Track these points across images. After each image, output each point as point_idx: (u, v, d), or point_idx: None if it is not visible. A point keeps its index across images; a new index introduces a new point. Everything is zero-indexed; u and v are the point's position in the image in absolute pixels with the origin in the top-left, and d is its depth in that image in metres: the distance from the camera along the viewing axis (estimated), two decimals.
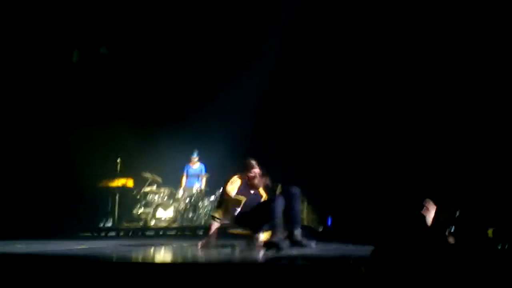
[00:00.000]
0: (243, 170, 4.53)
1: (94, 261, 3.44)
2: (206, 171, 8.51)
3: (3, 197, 7.56)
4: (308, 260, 3.49)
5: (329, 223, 8.45)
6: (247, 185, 4.53)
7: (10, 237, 6.09)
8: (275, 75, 8.37)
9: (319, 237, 6.50)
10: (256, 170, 4.54)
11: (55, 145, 8.36)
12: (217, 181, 8.32)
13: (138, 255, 4.12)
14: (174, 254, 4.36)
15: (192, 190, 8.29)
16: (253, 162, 4.58)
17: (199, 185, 8.34)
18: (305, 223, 8.91)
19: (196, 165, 8.59)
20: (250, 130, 8.37)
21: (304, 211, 9.22)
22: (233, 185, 4.46)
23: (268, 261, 3.36)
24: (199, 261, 3.51)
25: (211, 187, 8.32)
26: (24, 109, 8.04)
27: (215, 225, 4.40)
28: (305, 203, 9.19)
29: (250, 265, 3.28)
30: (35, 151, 8.15)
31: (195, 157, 8.54)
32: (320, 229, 8.04)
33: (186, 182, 8.55)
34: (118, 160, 8.67)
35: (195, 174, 8.51)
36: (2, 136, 7.82)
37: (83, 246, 4.96)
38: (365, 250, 3.90)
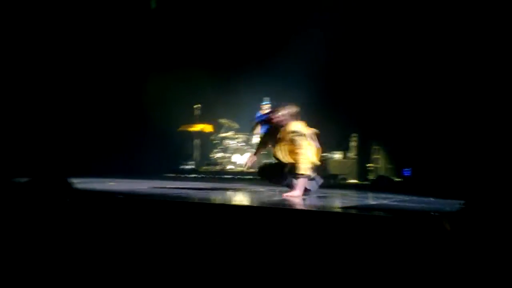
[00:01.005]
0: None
1: (176, 201, 3.66)
2: None
3: (97, 139, 8.22)
4: (386, 211, 3.44)
5: (407, 173, 8.23)
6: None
7: (102, 176, 6.68)
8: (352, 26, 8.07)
9: (396, 189, 6.38)
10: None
11: (140, 92, 8.81)
12: None
13: (216, 197, 4.32)
14: (251, 197, 4.52)
15: None
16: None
17: None
18: (382, 172, 8.78)
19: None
20: (327, 78, 8.20)
21: (380, 161, 9.06)
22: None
23: (344, 211, 3.36)
24: (277, 206, 3.60)
25: None
26: (109, 56, 8.46)
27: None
28: (381, 152, 9.00)
29: (327, 213, 3.31)
30: (121, 96, 8.65)
31: (265, 105, 8.58)
32: (397, 180, 7.87)
33: (260, 130, 8.66)
34: (197, 107, 8.95)
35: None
36: (90, 85, 8.36)
37: (166, 186, 5.29)
38: (448, 204, 3.77)
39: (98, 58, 8.37)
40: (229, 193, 4.68)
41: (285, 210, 3.23)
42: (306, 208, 3.40)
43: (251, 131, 8.68)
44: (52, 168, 6.19)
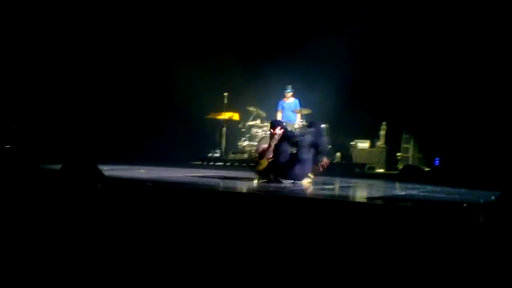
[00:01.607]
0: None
1: (205, 189, 3.70)
2: (301, 106, 8.48)
3: (127, 126, 8.37)
4: (414, 202, 3.38)
5: (437, 163, 8.08)
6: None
7: (132, 163, 6.80)
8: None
9: (425, 179, 6.26)
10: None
11: (169, 80, 8.91)
12: (315, 117, 8.32)
13: (242, 186, 4.34)
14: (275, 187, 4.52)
15: (293, 125, 8.37)
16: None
17: (295, 120, 8.37)
18: (411, 162, 8.64)
19: (290, 100, 8.58)
20: (357, 66, 8.09)
21: (410, 151, 8.90)
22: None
23: (370, 201, 3.32)
24: (298, 196, 3.59)
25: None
26: (140, 42, 8.55)
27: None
28: (412, 141, 8.84)
29: (352, 203, 3.29)
30: (151, 84, 8.77)
31: (289, 92, 8.53)
32: (427, 169, 7.73)
33: (281, 117, 8.62)
34: (225, 95, 8.99)
35: (290, 109, 8.54)
36: (120, 72, 8.48)
37: (195, 174, 5.35)
38: (481, 196, 3.68)
39: (129, 45, 8.48)
40: (253, 182, 4.69)
41: (310, 200, 3.22)
42: (331, 199, 3.38)
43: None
44: (83, 155, 6.34)
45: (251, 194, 3.64)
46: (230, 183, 4.53)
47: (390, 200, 3.39)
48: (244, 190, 3.96)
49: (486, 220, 2.47)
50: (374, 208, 2.93)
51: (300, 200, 3.21)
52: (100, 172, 3.28)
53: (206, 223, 2.85)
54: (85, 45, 8.15)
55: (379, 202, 3.24)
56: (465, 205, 2.97)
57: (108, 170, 5.25)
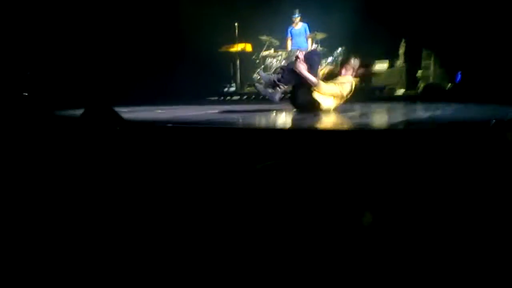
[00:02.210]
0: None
1: (223, 127, 3.66)
2: (310, 30, 8.16)
3: (138, 65, 8.25)
4: (438, 124, 3.29)
5: (459, 78, 7.82)
6: None
7: (149, 102, 6.77)
8: None
9: (448, 96, 6.10)
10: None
11: (176, 16, 8.61)
12: (332, 41, 8.03)
13: (261, 120, 4.28)
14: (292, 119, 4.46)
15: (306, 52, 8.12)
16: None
17: (306, 46, 8.11)
18: (431, 79, 8.37)
19: (298, 26, 8.26)
20: None
21: (431, 68, 8.59)
22: None
23: (391, 127, 3.24)
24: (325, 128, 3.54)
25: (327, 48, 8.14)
26: None
27: None
28: (432, 57, 8.50)
29: (373, 132, 3.22)
30: (158, 22, 8.50)
31: (296, 17, 8.19)
32: (449, 86, 7.51)
33: (292, 44, 8.37)
34: (236, 25, 8.68)
35: (300, 35, 8.25)
36: (125, 10, 8.21)
37: (214, 111, 5.28)
38: (507, 111, 3.55)
39: None
40: (273, 115, 4.63)
41: (328, 132, 3.16)
42: (350, 128, 3.31)
43: (285, 47, 8.42)
44: (97, 98, 6.31)
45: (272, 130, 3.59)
46: (248, 118, 4.48)
47: (413, 124, 3.31)
48: (262, 125, 3.90)
49: None
50: (396, 135, 2.86)
51: (318, 133, 3.16)
52: (118, 115, 3.24)
53: (230, 161, 2.84)
54: None
55: (401, 127, 3.16)
56: (494, 121, 2.87)
57: (127, 112, 5.27)
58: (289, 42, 8.40)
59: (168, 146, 3.16)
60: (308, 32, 8.20)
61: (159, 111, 5.43)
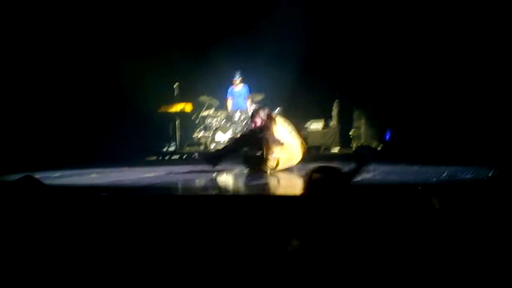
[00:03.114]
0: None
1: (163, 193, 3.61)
2: (251, 91, 8.45)
3: (74, 126, 8.00)
4: (371, 188, 3.43)
5: (388, 137, 8.27)
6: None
7: (83, 164, 6.50)
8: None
9: (379, 157, 6.41)
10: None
11: (115, 76, 8.57)
12: (269, 102, 8.31)
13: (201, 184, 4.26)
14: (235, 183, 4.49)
15: (246, 112, 8.33)
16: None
17: (245, 107, 8.33)
18: (363, 139, 8.81)
19: (239, 87, 8.52)
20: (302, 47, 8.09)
21: (362, 127, 9.06)
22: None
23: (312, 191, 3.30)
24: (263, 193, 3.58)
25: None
26: (82, 39, 8.15)
27: None
28: (363, 117, 8.98)
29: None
30: (95, 81, 8.40)
31: (237, 79, 8.46)
32: (380, 147, 7.92)
33: (232, 105, 8.56)
34: (175, 85, 8.77)
35: (240, 96, 8.49)
36: (63, 70, 8.07)
37: (150, 174, 5.19)
38: (435, 173, 3.78)
39: (70, 41, 8.05)
40: (214, 178, 4.63)
41: (269, 198, 3.20)
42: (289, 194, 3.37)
43: (225, 107, 8.60)
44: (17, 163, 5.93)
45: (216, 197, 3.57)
46: (190, 183, 4.43)
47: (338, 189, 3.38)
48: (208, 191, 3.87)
49: (441, 203, 2.52)
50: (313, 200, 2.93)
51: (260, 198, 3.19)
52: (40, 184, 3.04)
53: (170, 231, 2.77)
54: (25, 40, 7.64)
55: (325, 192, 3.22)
56: (419, 188, 3.05)
57: (58, 177, 5.03)
58: (229, 102, 8.58)
59: (101, 217, 3.04)
60: (247, 93, 8.43)
61: (93, 175, 5.24)
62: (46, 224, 2.68)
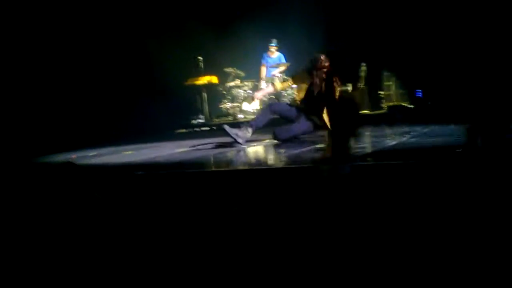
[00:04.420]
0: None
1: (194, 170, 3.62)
2: (286, 60, 8.30)
3: (105, 104, 8.15)
4: (407, 154, 3.34)
5: (419, 94, 8.09)
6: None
7: (118, 141, 6.62)
8: None
9: (412, 117, 6.26)
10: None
11: (142, 52, 8.62)
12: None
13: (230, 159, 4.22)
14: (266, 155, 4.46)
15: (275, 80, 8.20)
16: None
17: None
18: (394, 99, 8.61)
19: (275, 55, 8.37)
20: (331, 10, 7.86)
21: (392, 88, 8.85)
22: None
23: (363, 162, 3.25)
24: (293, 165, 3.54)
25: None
26: (106, 16, 8.19)
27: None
28: (393, 79, 8.76)
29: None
30: (125, 59, 8.48)
31: (273, 46, 8.30)
32: (412, 106, 7.73)
33: (266, 73, 8.45)
34: (200, 58, 8.74)
35: (275, 64, 8.35)
36: (89, 49, 8.15)
37: (182, 149, 5.21)
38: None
39: (95, 19, 8.11)
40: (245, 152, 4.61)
41: (299, 169, 3.17)
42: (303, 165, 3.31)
43: (258, 75, 8.50)
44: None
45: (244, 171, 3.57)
46: (220, 157, 4.44)
47: (382, 157, 3.30)
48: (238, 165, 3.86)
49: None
50: (367, 169, 2.90)
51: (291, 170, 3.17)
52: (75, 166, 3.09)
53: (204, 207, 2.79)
54: (48, 19, 7.72)
55: (370, 161, 3.16)
56: (459, 150, 2.96)
57: (95, 156, 5.15)
58: (263, 69, 8.46)
59: (138, 194, 3.10)
60: (283, 61, 8.28)
61: (129, 152, 5.33)
62: (84, 208, 2.75)
